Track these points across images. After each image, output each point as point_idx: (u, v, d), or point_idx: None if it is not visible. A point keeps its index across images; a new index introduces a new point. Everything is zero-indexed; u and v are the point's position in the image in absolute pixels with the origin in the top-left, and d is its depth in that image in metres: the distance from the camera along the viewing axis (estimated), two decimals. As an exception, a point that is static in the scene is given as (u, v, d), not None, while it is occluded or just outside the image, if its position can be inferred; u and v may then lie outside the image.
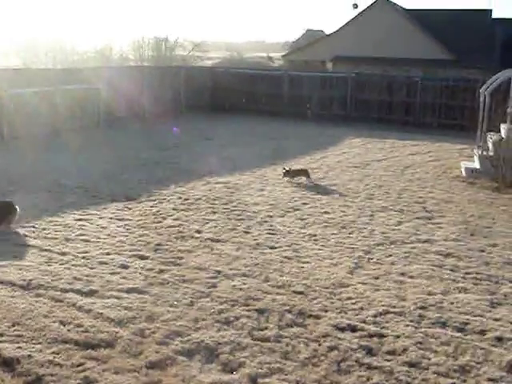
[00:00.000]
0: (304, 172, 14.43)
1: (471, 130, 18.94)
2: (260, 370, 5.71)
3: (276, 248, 9.29)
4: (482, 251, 9.37)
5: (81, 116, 22.80)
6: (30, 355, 5.77)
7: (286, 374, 5.67)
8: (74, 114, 22.43)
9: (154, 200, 12.09)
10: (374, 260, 8.87)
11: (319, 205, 12.06)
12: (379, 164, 17.02)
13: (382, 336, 6.47)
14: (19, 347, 5.95)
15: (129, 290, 7.43)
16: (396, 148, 19.89)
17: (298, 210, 11.63)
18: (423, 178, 15.03)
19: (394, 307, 7.22)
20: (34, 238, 9.60)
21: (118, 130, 22.11)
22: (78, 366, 5.64)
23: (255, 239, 9.69)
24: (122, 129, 22.35)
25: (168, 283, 7.73)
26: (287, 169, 14.32)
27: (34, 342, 6.09)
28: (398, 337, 6.47)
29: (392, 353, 6.13)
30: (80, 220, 10.64)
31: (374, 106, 26.41)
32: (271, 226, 10.49)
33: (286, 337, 6.40)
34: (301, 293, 7.56)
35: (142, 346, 6.03)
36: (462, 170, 15.94)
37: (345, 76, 27.30)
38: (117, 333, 6.28)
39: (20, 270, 8.15)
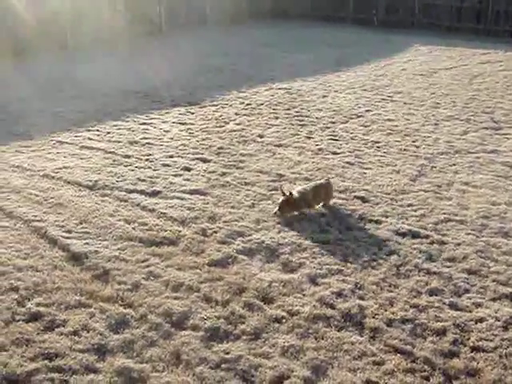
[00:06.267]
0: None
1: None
2: (319, 271, 5.79)
3: (338, 154, 9.22)
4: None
5: (143, 22, 22.65)
6: (96, 251, 5.99)
7: (345, 276, 5.73)
8: (135, 20, 22.30)
9: (217, 105, 12.10)
10: (438, 168, 8.72)
11: (383, 112, 11.82)
12: (446, 73, 16.42)
13: (442, 243, 6.43)
14: (86, 243, 6.18)
15: (191, 192, 7.56)
16: (465, 56, 19.10)
17: (361, 116, 11.45)
18: (492, 88, 14.45)
19: (456, 215, 7.13)
20: (99, 141, 9.80)
21: (180, 36, 21.89)
22: (143, 261, 5.83)
23: (317, 145, 9.63)
24: (184, 35, 22.12)
25: (230, 185, 7.82)
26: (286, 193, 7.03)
27: (100, 238, 6.31)
28: (459, 244, 6.42)
29: (452, 260, 6.11)
30: (143, 124, 10.77)
31: (444, 12, 25.25)
32: (334, 131, 10.39)
33: (346, 240, 6.44)
34: (362, 198, 7.54)
35: (204, 245, 6.18)
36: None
37: (414, -21, 26.08)
38: (180, 231, 6.44)
39: (86, 171, 8.37)
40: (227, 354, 4.60)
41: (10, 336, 4.70)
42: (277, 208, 6.83)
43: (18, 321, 4.91)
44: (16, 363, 4.39)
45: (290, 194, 6.77)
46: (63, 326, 4.84)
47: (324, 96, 13.05)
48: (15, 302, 5.17)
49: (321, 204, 7.17)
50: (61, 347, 4.58)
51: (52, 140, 10.03)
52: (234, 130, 10.33)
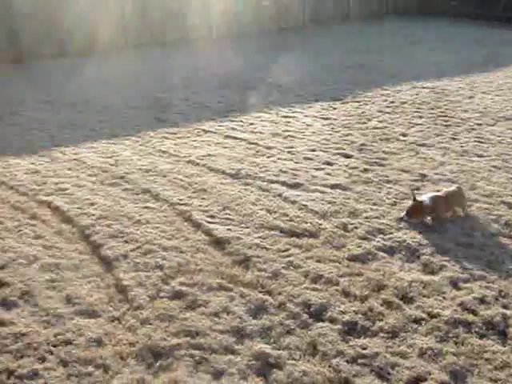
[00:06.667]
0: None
1: None
2: (461, 275, 5.57)
3: (484, 156, 8.84)
4: None
5: (286, 16, 22.87)
6: (238, 237, 6.11)
7: (488, 282, 5.48)
8: (279, 14, 22.56)
9: (359, 101, 11.99)
10: None
11: (535, 116, 11.22)
12: None
13: None
14: (229, 229, 6.32)
15: (332, 186, 7.53)
16: None
17: (509, 119, 10.91)
18: None
19: None
20: (242, 132, 10.00)
21: (322, 31, 21.92)
22: (283, 251, 5.88)
23: (462, 146, 9.29)
24: (326, 30, 22.12)
25: (371, 182, 7.71)
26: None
27: (242, 225, 6.43)
28: None
29: None
30: (285, 117, 10.89)
31: None
32: (480, 133, 9.97)
33: (491, 246, 6.16)
34: (509, 204, 7.17)
35: (345, 240, 6.13)
36: None
37: None
38: (320, 225, 6.43)
39: (229, 160, 8.57)
40: (364, 349, 4.54)
41: (155, 311, 4.89)
42: (404, 213, 6.63)
43: (163, 297, 5.10)
44: (159, 337, 4.56)
45: (418, 200, 6.52)
46: (204, 307, 4.98)
47: (470, 97, 12.56)
48: (160, 279, 5.38)
49: (453, 212, 6.86)
50: (202, 326, 4.71)
51: (197, 128, 10.37)
52: (377, 128, 10.19)
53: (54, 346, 4.51)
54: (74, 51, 18.35)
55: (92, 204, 7.15)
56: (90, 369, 4.27)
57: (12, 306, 5.07)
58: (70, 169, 8.59)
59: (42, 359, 4.37)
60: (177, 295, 5.14)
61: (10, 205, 7.29)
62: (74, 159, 9.03)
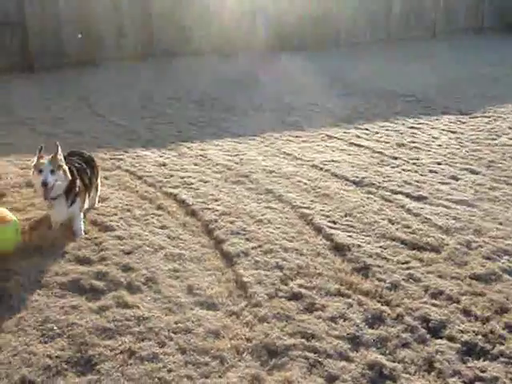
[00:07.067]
0: None
1: None
2: None
3: None
4: None
5: (416, 26, 22.49)
6: (359, 245, 6.09)
7: None
8: (409, 23, 22.22)
9: (489, 116, 11.64)
10: None
11: None
12: None
13: None
14: (350, 236, 6.31)
15: (458, 202, 7.33)
16: None
17: None
18: None
19: None
20: (367, 140, 9.96)
21: (453, 42, 21.36)
22: (404, 263, 5.79)
23: None
24: (458, 40, 21.54)
25: (499, 201, 7.45)
26: None
27: (363, 234, 6.40)
28: None
29: None
30: (411, 128, 10.74)
31: None
32: None
33: None
34: None
35: (468, 257, 5.96)
36: None
37: None
38: (443, 240, 6.28)
39: (353, 167, 8.56)
40: (483, 372, 4.40)
41: (273, 310, 4.96)
42: None
43: (281, 297, 5.16)
44: (276, 336, 4.62)
45: None
46: (322, 311, 4.99)
47: None
48: (279, 279, 5.45)
49: None
50: (318, 330, 4.73)
51: (321, 133, 10.43)
52: (507, 145, 9.82)
53: (174, 333, 4.66)
54: (207, 50, 18.96)
55: (216, 200, 7.34)
56: (207, 359, 4.38)
57: (136, 290, 5.29)
58: (196, 164, 8.86)
59: (162, 344, 4.53)
60: (295, 296, 5.18)
61: (138, 194, 7.61)
62: (200, 155, 9.31)
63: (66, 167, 6.17)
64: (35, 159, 6.09)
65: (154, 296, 5.19)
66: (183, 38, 19.32)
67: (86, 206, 6.69)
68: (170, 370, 4.23)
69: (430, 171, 8.43)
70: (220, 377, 4.18)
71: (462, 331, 4.81)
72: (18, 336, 4.58)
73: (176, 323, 4.79)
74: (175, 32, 19.23)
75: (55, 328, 4.69)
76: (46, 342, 4.51)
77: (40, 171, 5.94)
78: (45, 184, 5.87)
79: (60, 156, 6.13)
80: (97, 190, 7.13)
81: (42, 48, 18.00)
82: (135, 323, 4.77)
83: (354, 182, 7.93)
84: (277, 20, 20.06)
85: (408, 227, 6.54)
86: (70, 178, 6.18)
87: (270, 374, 4.24)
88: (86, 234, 6.36)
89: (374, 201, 7.30)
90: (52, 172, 5.93)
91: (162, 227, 6.60)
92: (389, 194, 7.52)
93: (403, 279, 5.49)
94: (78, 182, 6.36)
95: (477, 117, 11.63)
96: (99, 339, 4.54)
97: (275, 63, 18.10)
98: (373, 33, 21.49)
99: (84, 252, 5.92)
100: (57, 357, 4.33)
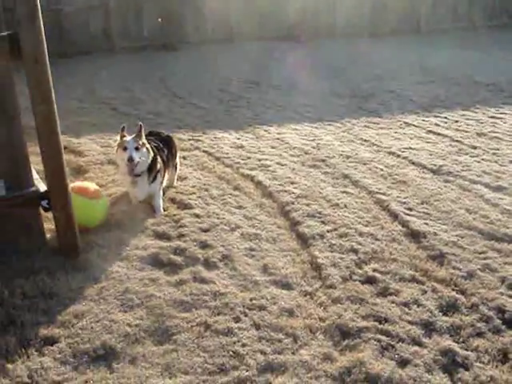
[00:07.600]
0: None
1: None
2: None
3: None
4: None
5: (499, 13, 21.89)
6: (435, 233, 6.05)
7: None
8: (493, 10, 21.67)
9: None
10: None
11: None
12: None
13: None
14: (426, 223, 6.27)
15: (539, 194, 7.19)
16: None
17: None
18: None
19: None
20: (446, 129, 9.82)
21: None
22: (480, 253, 5.72)
23: None
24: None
25: None
26: None
27: (440, 222, 6.35)
28: None
29: None
30: (492, 117, 10.52)
31: None
32: None
33: None
34: None
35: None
36: None
37: None
38: (522, 231, 6.19)
39: (431, 155, 8.47)
40: (559, 365, 4.35)
41: (347, 292, 5.01)
42: None
43: (355, 280, 5.21)
44: (349, 317, 4.68)
45: None
46: (395, 296, 5.01)
47: None
48: (354, 262, 5.49)
49: None
50: (391, 314, 4.76)
51: (399, 121, 10.34)
52: None
53: (249, 309, 4.78)
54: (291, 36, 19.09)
55: (292, 183, 7.42)
56: (281, 336, 4.48)
57: (213, 266, 5.43)
58: (273, 147, 8.96)
59: (237, 319, 4.66)
60: (369, 280, 5.22)
61: (216, 175, 7.77)
62: (278, 138, 9.40)
63: (148, 145, 6.36)
64: (118, 138, 6.30)
65: (230, 273, 5.32)
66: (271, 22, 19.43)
67: (164, 183, 6.88)
68: (244, 345, 4.35)
69: (511, 162, 8.25)
70: (293, 353, 4.27)
71: (538, 324, 4.75)
72: (99, 304, 4.80)
73: (251, 300, 4.90)
74: (259, 17, 19.42)
75: (135, 298, 4.88)
76: (125, 311, 4.71)
77: (125, 148, 6.14)
78: (131, 160, 6.07)
79: (143, 134, 6.33)
80: (175, 169, 7.31)
81: (124, 30, 18.45)
82: (211, 298, 4.91)
83: (432, 170, 7.86)
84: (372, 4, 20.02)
85: (486, 217, 6.45)
86: (152, 155, 6.38)
87: (342, 353, 4.30)
88: (165, 211, 6.55)
89: (452, 189, 7.22)
90: (136, 149, 6.14)
91: (239, 207, 6.73)
92: (467, 183, 7.42)
93: (479, 269, 5.43)
94: (159, 160, 6.55)
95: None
96: (176, 311, 4.71)
97: (352, 50, 17.98)
98: (454, 20, 21.03)
99: (163, 228, 6.11)
100: (136, 325, 4.52)
